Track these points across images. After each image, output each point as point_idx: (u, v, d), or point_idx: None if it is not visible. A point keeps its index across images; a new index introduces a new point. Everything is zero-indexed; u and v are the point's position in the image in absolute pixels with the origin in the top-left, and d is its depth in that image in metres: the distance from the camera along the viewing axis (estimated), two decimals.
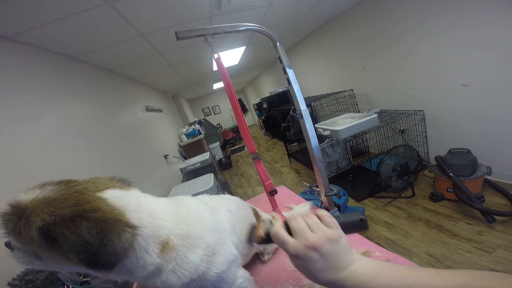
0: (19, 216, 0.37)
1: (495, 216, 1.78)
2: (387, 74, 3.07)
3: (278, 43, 0.81)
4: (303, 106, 0.81)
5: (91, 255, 0.35)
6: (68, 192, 0.40)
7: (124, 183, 0.51)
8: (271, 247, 0.79)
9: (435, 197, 2.22)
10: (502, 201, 1.98)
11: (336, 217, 0.44)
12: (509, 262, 1.48)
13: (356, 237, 0.77)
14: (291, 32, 3.70)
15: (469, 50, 2.11)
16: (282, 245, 0.41)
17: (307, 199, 1.08)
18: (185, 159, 4.47)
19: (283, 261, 0.76)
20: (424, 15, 2.35)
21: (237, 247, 0.58)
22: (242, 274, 0.58)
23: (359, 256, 0.39)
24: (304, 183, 1.08)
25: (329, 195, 0.88)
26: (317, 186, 0.93)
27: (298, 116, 0.83)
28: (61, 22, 1.49)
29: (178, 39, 0.69)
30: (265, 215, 0.83)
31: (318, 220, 0.42)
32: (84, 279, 0.90)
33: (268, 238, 0.46)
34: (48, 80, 1.67)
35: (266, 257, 0.79)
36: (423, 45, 2.48)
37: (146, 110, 3.41)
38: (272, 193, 0.91)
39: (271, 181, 0.86)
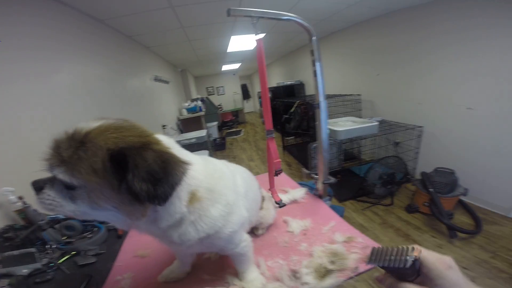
0: (80, 141, 0.36)
1: (458, 233, 1.96)
2: (398, 86, 3.12)
3: (313, 37, 0.87)
4: (322, 98, 0.86)
5: (153, 184, 0.36)
6: (130, 125, 0.42)
7: None
8: (266, 223, 0.84)
9: (410, 209, 2.39)
10: (468, 221, 2.17)
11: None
12: None
13: (343, 224, 0.84)
14: (316, 29, 3.62)
15: (479, 75, 2.19)
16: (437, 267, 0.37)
17: (301, 185, 1.14)
18: (181, 132, 4.49)
19: (275, 237, 0.82)
20: (444, 38, 2.41)
21: (247, 211, 0.61)
22: (246, 238, 0.62)
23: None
24: (304, 169, 1.16)
25: (326, 183, 0.95)
26: (316, 174, 0.99)
27: (316, 105, 0.88)
28: None
29: (229, 15, 0.73)
30: (263, 192, 0.87)
31: None
32: (67, 240, 0.90)
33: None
34: (68, 37, 1.67)
35: (260, 231, 0.84)
36: (438, 65, 2.54)
37: (155, 79, 3.41)
38: (277, 172, 0.90)
39: (280, 160, 0.87)
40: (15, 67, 1.21)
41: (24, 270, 0.76)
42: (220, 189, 0.52)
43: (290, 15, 0.83)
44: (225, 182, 0.55)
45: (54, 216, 1.03)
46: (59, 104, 1.47)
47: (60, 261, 0.82)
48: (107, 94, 2.08)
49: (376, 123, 2.79)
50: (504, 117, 2.07)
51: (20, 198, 0.99)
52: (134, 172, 0.35)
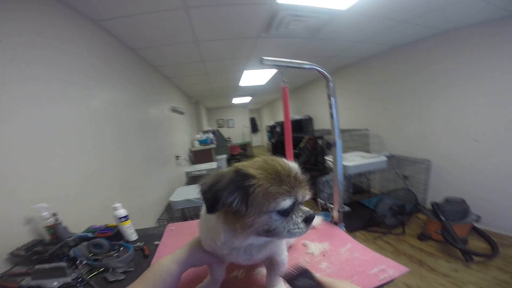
0: (298, 177, 0.55)
1: (474, 257, 1.96)
2: (405, 120, 3.25)
3: (331, 83, 1.00)
4: (338, 138, 1.02)
5: None
6: None
7: None
8: (288, 244, 0.90)
9: (423, 237, 2.40)
10: (483, 245, 2.17)
11: None
12: None
13: (359, 246, 0.88)
14: (323, 65, 3.85)
15: (485, 105, 2.32)
16: None
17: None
18: (193, 164, 4.60)
19: (296, 257, 0.86)
20: (447, 66, 2.59)
21: None
22: (286, 252, 0.71)
23: None
24: (319, 200, 1.23)
25: (342, 211, 1.01)
26: (331, 204, 1.06)
27: (332, 144, 1.00)
28: (140, 17, 1.73)
29: (261, 64, 0.88)
30: None
31: None
32: (94, 257, 0.95)
33: None
34: (101, 63, 1.87)
35: None
36: (443, 96, 2.68)
37: (172, 110, 3.62)
38: None
39: None
40: (64, 88, 1.37)
41: (55, 283, 0.78)
42: None
43: (312, 65, 0.98)
44: None
45: (82, 234, 1.09)
46: (91, 127, 1.61)
47: (89, 276, 0.86)
48: (131, 120, 2.24)
49: (385, 159, 2.85)
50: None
51: (54, 214, 1.04)
52: None
